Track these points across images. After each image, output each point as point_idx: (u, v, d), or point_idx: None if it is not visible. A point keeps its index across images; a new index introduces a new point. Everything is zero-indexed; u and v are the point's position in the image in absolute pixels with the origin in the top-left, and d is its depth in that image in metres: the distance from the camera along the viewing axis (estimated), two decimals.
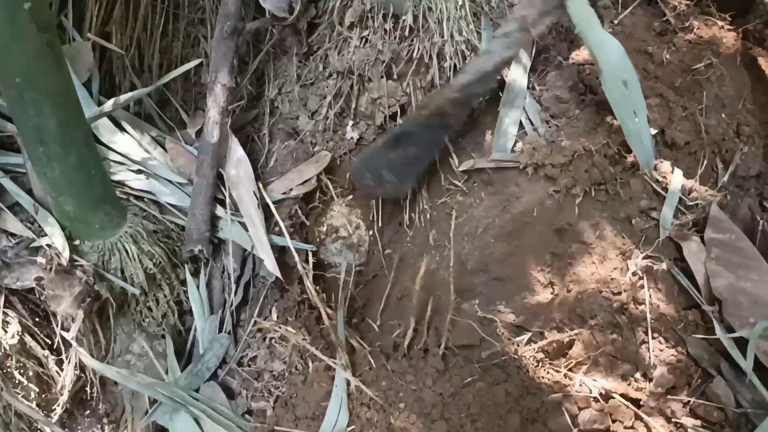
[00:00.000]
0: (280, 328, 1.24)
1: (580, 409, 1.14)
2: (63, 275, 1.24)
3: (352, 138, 1.59)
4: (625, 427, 1.12)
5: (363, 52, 1.48)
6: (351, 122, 1.58)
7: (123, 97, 1.46)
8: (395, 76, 1.51)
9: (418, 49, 1.46)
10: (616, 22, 1.46)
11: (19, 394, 1.31)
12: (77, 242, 1.32)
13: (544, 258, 1.38)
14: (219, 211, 1.48)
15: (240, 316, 1.47)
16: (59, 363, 1.37)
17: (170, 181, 1.50)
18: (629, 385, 1.17)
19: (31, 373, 1.33)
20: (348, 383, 1.22)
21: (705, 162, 1.41)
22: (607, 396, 1.15)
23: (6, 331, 1.28)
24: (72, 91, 1.18)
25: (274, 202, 1.47)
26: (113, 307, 1.35)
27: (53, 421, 1.34)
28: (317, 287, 1.40)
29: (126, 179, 1.45)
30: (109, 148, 1.48)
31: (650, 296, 1.23)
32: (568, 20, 1.46)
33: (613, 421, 1.13)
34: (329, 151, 1.60)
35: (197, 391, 1.32)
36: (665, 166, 1.38)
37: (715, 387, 1.17)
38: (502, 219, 1.42)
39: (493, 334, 1.26)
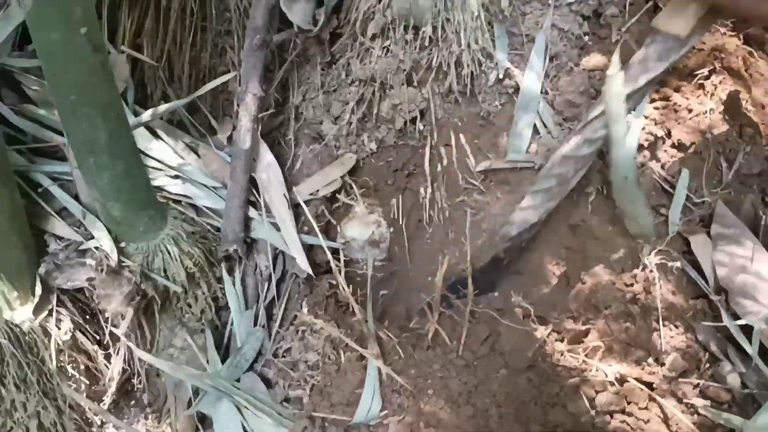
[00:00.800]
0: (317, 321, 1.31)
1: (597, 392, 1.19)
2: (112, 275, 1.32)
3: (371, 149, 1.65)
4: (640, 408, 1.17)
5: (385, 61, 1.53)
6: (367, 135, 1.64)
7: (161, 108, 1.53)
8: (415, 83, 1.56)
9: (437, 57, 1.51)
10: (624, 29, 1.53)
11: (72, 386, 1.39)
12: (123, 244, 1.40)
13: (560, 252, 1.45)
14: (251, 212, 1.54)
15: (272, 311, 1.54)
16: (107, 357, 1.45)
17: (205, 185, 1.57)
18: (643, 369, 1.22)
19: (82, 367, 1.42)
20: (379, 371, 1.27)
21: (710, 161, 1.45)
22: (622, 380, 1.20)
23: (60, 329, 1.36)
24: (119, 104, 1.26)
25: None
26: (158, 305, 1.42)
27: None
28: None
29: (164, 184, 1.53)
30: (147, 155, 1.55)
31: (661, 287, 1.28)
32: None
33: (629, 403, 1.18)
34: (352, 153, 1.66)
35: (238, 381, 1.40)
36: (673, 165, 1.44)
37: (722, 370, 1.23)
38: None
39: (513, 325, 1.30)
